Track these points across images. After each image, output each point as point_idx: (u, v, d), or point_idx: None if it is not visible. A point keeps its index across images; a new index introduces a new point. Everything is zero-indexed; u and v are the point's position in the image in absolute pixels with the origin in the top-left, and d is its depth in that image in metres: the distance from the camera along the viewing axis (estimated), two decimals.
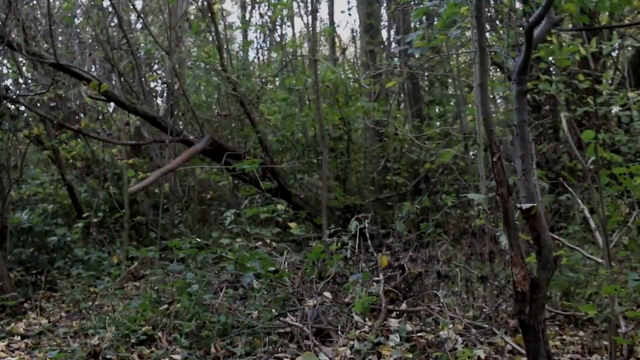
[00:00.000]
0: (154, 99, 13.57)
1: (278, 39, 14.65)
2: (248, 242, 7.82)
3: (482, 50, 4.51)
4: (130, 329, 6.85)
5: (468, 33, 8.09)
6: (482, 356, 5.60)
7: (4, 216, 9.88)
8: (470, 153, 9.86)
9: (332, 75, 10.79)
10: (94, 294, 8.93)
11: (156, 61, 13.29)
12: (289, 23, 15.89)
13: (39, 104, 11.22)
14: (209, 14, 10.86)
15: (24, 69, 11.59)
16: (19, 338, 7.65)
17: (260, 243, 8.10)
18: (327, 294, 7.05)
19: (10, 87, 11.46)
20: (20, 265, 10.75)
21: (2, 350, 7.14)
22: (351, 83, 11.72)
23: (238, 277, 7.31)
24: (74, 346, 6.89)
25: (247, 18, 15.30)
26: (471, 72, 8.83)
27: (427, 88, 13.60)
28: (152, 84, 13.74)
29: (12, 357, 6.92)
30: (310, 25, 12.14)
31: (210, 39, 12.17)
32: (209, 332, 6.40)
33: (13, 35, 9.62)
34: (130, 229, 11.20)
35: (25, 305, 9.10)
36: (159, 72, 13.57)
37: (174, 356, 6.16)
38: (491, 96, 9.64)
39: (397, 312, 6.85)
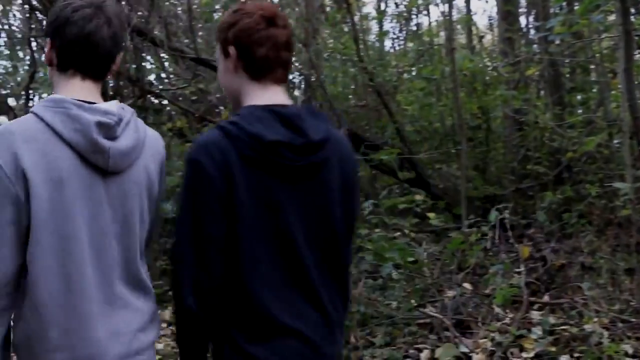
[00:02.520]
0: (292, 91, 13.73)
1: (414, 29, 14.56)
2: (386, 233, 7.80)
3: (627, 34, 4.35)
4: None
5: (611, 17, 7.81)
6: (630, 351, 5.40)
7: None
8: (615, 141, 9.52)
9: (470, 64, 10.61)
10: None
11: (293, 53, 13.43)
12: (425, 12, 15.73)
13: (180, 98, 11.53)
14: (345, 5, 10.87)
15: (166, 64, 11.93)
16: (165, 325, 7.92)
17: (398, 233, 8.07)
18: (467, 285, 6.96)
19: (154, 82, 11.85)
20: (165, 254, 11.11)
21: None
22: (489, 71, 11.50)
23: (377, 267, 7.31)
24: None
25: (382, 8, 15.27)
26: (615, 58, 8.52)
27: (568, 75, 13.19)
28: (290, 76, 13.90)
29: (159, 343, 7.17)
30: (446, 14, 12.00)
31: (347, 29, 12.19)
32: (348, 322, 6.43)
33: (156, 32, 9.94)
34: None
35: (170, 293, 9.40)
36: (296, 63, 13.71)
37: None
38: (637, 82, 9.27)
39: (540, 305, 6.70)
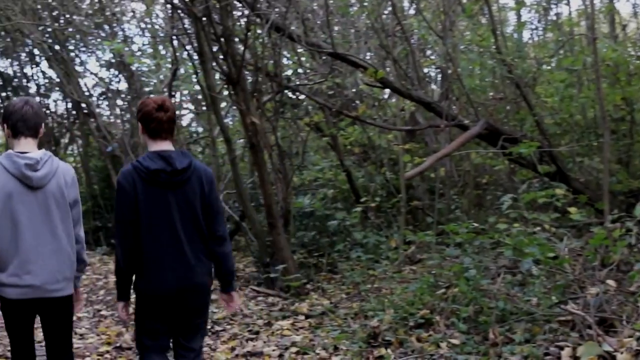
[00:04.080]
0: (429, 84, 13.64)
1: (554, 18, 14.18)
2: (526, 228, 7.65)
3: None
4: (408, 312, 6.97)
5: None
6: None
7: (288, 201, 10.40)
8: None
9: (612, 54, 10.25)
10: (372, 276, 9.18)
11: (430, 46, 13.34)
12: (565, 1, 15.31)
13: (317, 93, 11.66)
14: None
15: (303, 59, 12.08)
16: (302, 317, 8.04)
17: (538, 228, 7.89)
18: (610, 281, 6.73)
19: (291, 77, 12.01)
20: (302, 247, 11.28)
21: (287, 329, 7.53)
22: (634, 61, 11.07)
23: (516, 262, 7.18)
24: (354, 327, 7.12)
25: None
26: None
27: None
28: (426, 69, 13.81)
29: (297, 335, 7.28)
30: (587, 2, 11.62)
31: (484, 21, 12.01)
32: (486, 318, 6.35)
33: (293, 28, 10.07)
34: (406, 214, 11.35)
35: (308, 286, 9.53)
36: (433, 57, 13.61)
37: (452, 340, 6.19)
38: None
39: None
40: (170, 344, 4.62)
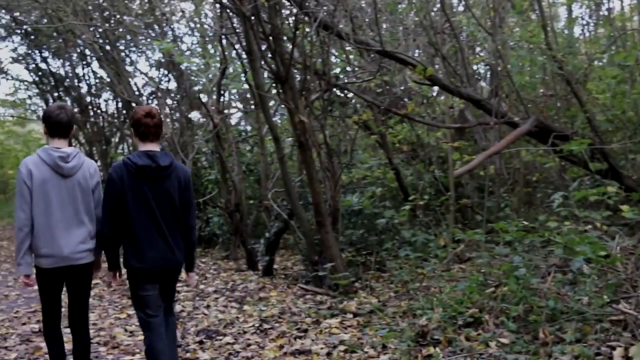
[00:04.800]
0: (478, 82, 13.54)
1: (605, 13, 13.98)
2: (577, 226, 7.56)
3: None
4: (457, 310, 6.93)
5: None
6: None
7: (336, 199, 10.40)
8: None
9: None
10: (421, 275, 9.14)
11: (479, 43, 13.25)
12: None
13: (366, 91, 11.64)
14: None
15: (351, 57, 12.07)
16: (351, 316, 8.03)
17: (589, 226, 7.79)
18: None
19: (339, 75, 12.01)
20: (351, 246, 11.28)
21: (335, 327, 7.54)
22: None
23: (567, 261, 7.10)
24: (402, 325, 7.10)
25: None
26: None
27: None
28: (475, 66, 13.71)
29: (345, 333, 7.28)
30: None
31: (534, 17, 11.89)
32: (537, 317, 6.29)
33: (341, 26, 10.06)
34: (455, 212, 11.29)
35: (356, 284, 9.53)
36: (482, 54, 13.52)
37: (501, 339, 6.13)
38: None
39: None
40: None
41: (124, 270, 5.60)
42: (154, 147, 5.44)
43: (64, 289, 5.74)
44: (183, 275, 5.96)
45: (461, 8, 13.28)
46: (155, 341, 5.48)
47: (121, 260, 5.53)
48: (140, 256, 5.35)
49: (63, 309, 5.85)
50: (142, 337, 7.52)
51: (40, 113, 29.81)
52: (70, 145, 5.58)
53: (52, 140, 5.53)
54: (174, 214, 5.43)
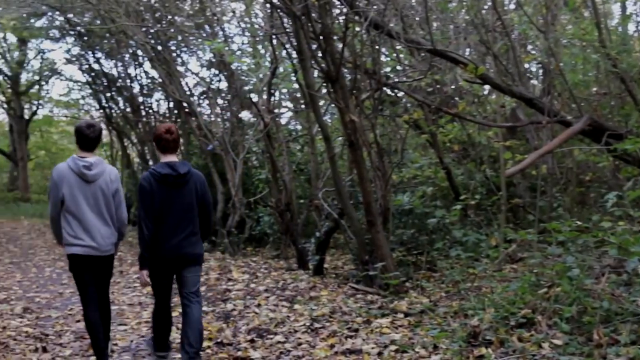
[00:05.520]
0: (530, 80, 13.41)
1: None
2: (631, 226, 7.45)
3: None
4: (509, 311, 6.88)
5: None
6: None
7: (386, 198, 10.38)
8: None
9: None
10: (472, 275, 9.09)
11: (531, 41, 13.12)
12: None
13: (416, 90, 11.59)
14: None
15: (402, 56, 12.03)
16: (402, 315, 8.01)
17: None
18: None
19: (390, 74, 11.99)
20: (401, 245, 11.25)
21: (386, 327, 7.53)
22: None
23: (621, 261, 7.00)
24: (454, 326, 7.07)
25: None
26: None
27: None
28: (527, 65, 13.58)
29: (396, 333, 7.26)
30: None
31: (587, 14, 11.74)
32: (590, 318, 6.21)
33: (391, 25, 10.04)
34: (507, 211, 11.20)
35: (407, 284, 9.51)
36: (534, 52, 13.38)
37: (554, 341, 6.07)
38: None
39: None
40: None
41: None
42: (173, 157, 6.53)
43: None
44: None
45: (513, 6, 13.17)
46: (162, 316, 6.75)
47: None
48: (161, 247, 6.39)
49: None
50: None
51: (93, 113, 30.36)
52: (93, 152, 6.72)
53: (79, 151, 6.62)
54: (193, 213, 6.51)
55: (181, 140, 19.71)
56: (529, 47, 13.70)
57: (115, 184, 6.65)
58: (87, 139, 6.57)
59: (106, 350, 6.72)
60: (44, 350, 7.55)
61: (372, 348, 6.76)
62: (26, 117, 38.32)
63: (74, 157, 6.56)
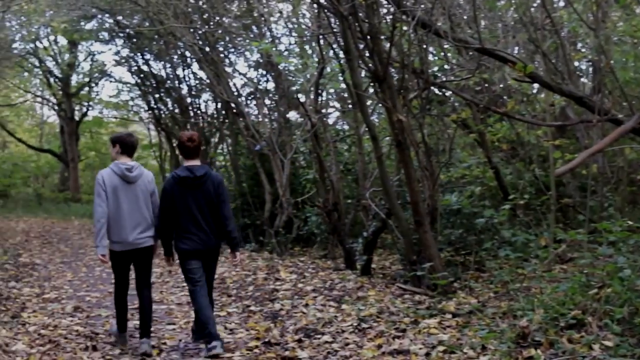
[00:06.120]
0: (579, 78, 13.25)
1: None
2: None
3: None
4: (559, 312, 6.80)
5: None
6: None
7: (434, 198, 10.34)
8: None
9: None
10: (521, 275, 9.00)
11: (581, 39, 12.96)
12: None
13: (464, 89, 11.51)
14: None
15: (449, 55, 11.97)
16: (449, 316, 7.97)
17: None
18: None
19: (438, 73, 11.92)
20: (450, 245, 11.20)
21: (434, 327, 7.49)
22: None
23: None
24: (502, 326, 7.02)
25: None
26: None
27: None
28: (577, 63, 13.42)
29: (444, 334, 7.23)
30: None
31: (639, 11, 11.56)
32: None
33: (439, 24, 9.99)
34: (557, 211, 11.07)
35: (455, 284, 9.45)
36: (584, 50, 13.21)
37: (605, 342, 6.00)
38: None
39: None
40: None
41: (176, 256, 7.73)
42: (194, 162, 7.57)
43: (132, 267, 7.80)
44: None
45: (562, 3, 13.03)
46: (200, 303, 7.46)
47: (173, 245, 7.68)
48: (185, 240, 7.47)
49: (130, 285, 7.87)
50: (241, 335, 7.68)
51: (143, 114, 30.66)
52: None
53: (120, 157, 7.66)
54: (211, 210, 7.51)
55: (229, 140, 19.95)
56: (579, 44, 13.54)
57: (151, 186, 7.73)
58: (128, 145, 7.71)
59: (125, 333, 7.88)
60: (94, 349, 7.68)
61: (420, 349, 6.74)
62: (76, 118, 38.75)
63: (116, 162, 7.62)
